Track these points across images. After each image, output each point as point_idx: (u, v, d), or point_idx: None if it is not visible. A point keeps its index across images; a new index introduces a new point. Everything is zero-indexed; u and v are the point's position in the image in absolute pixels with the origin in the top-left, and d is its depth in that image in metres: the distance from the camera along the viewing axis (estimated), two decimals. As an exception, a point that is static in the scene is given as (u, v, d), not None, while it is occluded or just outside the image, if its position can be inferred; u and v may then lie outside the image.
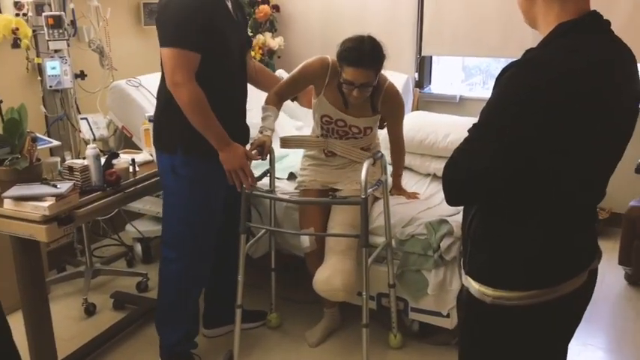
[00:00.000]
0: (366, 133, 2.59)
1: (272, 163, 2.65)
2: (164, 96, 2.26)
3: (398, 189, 2.84)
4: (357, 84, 2.35)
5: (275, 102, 2.54)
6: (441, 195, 2.95)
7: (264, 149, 2.43)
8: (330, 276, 2.45)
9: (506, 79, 1.26)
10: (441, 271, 2.48)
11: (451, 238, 2.46)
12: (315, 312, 2.87)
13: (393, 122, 2.68)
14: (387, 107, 2.57)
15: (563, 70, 1.21)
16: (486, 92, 4.48)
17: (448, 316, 2.54)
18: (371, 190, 2.39)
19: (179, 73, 2.14)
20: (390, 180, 2.79)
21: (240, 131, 2.45)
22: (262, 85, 2.66)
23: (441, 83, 4.51)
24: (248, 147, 2.45)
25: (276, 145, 2.60)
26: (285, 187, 2.89)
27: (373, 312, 2.61)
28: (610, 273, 3.31)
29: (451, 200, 1.38)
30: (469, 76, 4.82)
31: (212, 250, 2.50)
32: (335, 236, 2.50)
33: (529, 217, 1.33)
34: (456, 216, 2.61)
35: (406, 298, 2.62)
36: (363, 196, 2.30)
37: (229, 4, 2.31)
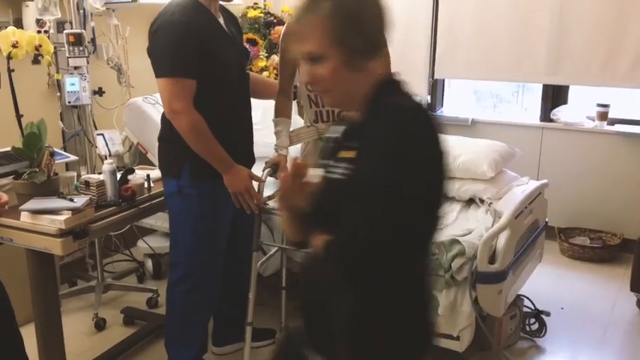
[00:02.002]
0: None
1: (285, 181, 2.66)
2: (166, 122, 2.29)
3: None
4: None
5: (283, 106, 2.51)
6: (453, 215, 2.97)
7: (277, 169, 2.45)
8: None
9: (384, 140, 1.20)
10: (452, 291, 2.48)
11: (462, 258, 2.46)
12: (325, 331, 2.86)
13: None
14: None
15: (426, 120, 1.26)
16: (498, 116, 4.52)
17: (458, 338, 2.53)
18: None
19: (176, 102, 2.16)
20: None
21: (245, 151, 2.47)
22: (261, 94, 2.63)
23: (453, 106, 4.53)
24: (255, 167, 2.46)
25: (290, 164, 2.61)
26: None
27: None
28: (622, 300, 3.28)
29: (338, 271, 1.26)
30: (480, 100, 4.85)
31: (220, 270, 2.51)
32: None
33: (408, 285, 1.29)
34: (467, 236, 2.61)
35: (416, 320, 2.62)
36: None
37: (221, 21, 2.32)
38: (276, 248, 2.76)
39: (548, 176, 3.43)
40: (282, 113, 2.52)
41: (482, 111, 4.69)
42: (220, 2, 2.32)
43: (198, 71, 2.19)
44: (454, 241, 2.54)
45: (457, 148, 3.19)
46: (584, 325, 3.07)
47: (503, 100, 4.77)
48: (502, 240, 2.51)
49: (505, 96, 4.76)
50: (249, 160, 2.50)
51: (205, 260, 2.43)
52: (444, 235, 2.64)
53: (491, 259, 2.50)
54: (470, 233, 2.68)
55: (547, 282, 3.41)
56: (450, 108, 4.49)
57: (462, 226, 2.82)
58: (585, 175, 3.92)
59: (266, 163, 2.47)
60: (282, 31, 2.50)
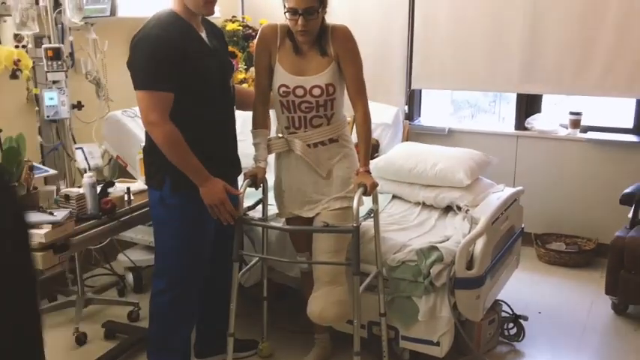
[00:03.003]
0: (329, 92, 2.40)
1: (265, 192, 2.69)
2: (148, 134, 2.32)
3: (359, 179, 2.43)
4: (300, 10, 2.27)
5: (261, 116, 2.52)
6: (431, 222, 3.02)
7: (256, 180, 2.48)
8: (323, 309, 2.46)
9: None
10: (432, 297, 2.52)
11: (441, 264, 2.51)
12: (307, 341, 2.88)
13: (349, 63, 2.43)
14: (338, 44, 2.41)
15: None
16: (474, 125, 4.60)
17: (438, 344, 2.57)
18: (362, 219, 2.43)
19: (152, 114, 2.20)
20: (380, 209, 2.83)
21: (229, 162, 2.50)
22: (246, 106, 2.62)
23: (430, 116, 4.60)
24: (241, 178, 2.49)
25: (269, 175, 2.64)
26: (276, 209, 2.91)
27: (364, 340, 2.63)
28: (597, 303, 3.35)
29: None
30: (458, 110, 4.93)
31: (202, 280, 2.53)
32: (327, 264, 2.52)
33: None
34: (445, 243, 2.66)
35: (396, 326, 2.65)
36: (355, 225, 2.35)
37: (203, 34, 2.35)
38: (257, 259, 2.78)
39: (524, 183, 3.50)
40: (259, 124, 2.54)
41: (460, 120, 4.77)
42: (204, 16, 2.35)
43: (176, 84, 2.22)
44: (432, 248, 2.58)
45: (434, 156, 3.25)
46: (561, 328, 3.12)
47: (480, 109, 4.86)
48: (479, 246, 2.56)
49: (483, 106, 4.85)
50: (234, 171, 2.52)
51: (189, 270, 2.44)
52: (422, 241, 2.69)
53: (469, 265, 2.55)
54: (448, 240, 2.72)
55: (524, 287, 3.47)
56: (427, 118, 4.56)
57: (440, 233, 2.87)
58: (560, 181, 4.01)
59: (245, 174, 2.50)
60: (257, 36, 2.53)
